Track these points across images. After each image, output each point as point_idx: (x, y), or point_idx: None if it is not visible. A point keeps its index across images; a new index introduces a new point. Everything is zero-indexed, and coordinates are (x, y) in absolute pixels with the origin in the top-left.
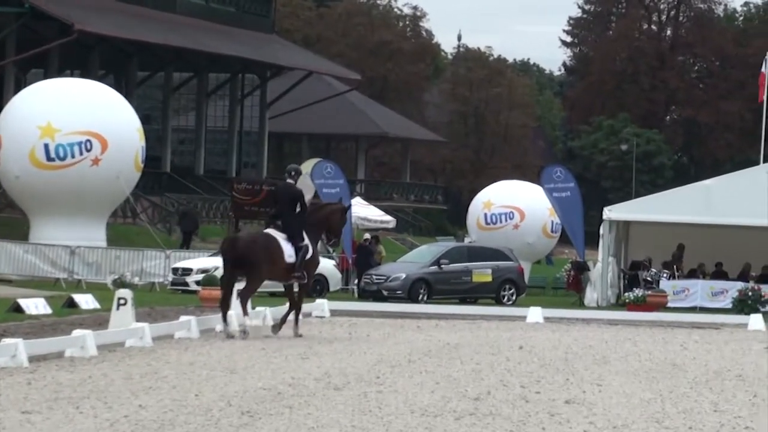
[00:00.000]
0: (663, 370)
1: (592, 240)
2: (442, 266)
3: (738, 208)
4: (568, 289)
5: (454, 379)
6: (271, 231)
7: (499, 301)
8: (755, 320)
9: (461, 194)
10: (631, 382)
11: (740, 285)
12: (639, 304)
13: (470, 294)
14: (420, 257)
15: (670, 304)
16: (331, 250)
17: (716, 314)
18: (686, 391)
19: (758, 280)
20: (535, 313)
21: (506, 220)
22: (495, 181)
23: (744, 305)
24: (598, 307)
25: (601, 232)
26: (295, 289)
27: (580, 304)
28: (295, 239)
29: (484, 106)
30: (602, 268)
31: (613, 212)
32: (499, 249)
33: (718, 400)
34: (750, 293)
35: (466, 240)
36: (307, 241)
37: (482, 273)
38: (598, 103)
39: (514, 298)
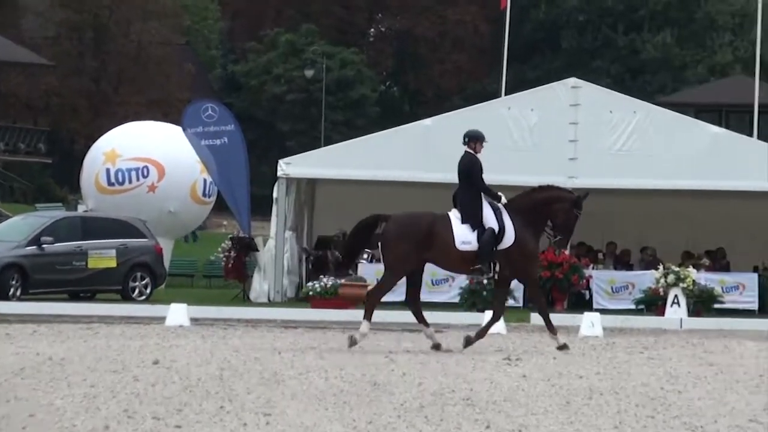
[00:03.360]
0: (360, 393)
1: (262, 207)
2: (44, 246)
3: None
4: (228, 277)
5: (56, 409)
6: (451, 212)
7: (127, 296)
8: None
9: (73, 142)
10: (314, 410)
11: None
12: (328, 298)
13: (85, 286)
14: (11, 234)
15: None
16: None
17: (441, 310)
18: (392, 420)
19: None
20: (178, 313)
21: (139, 179)
22: (123, 123)
23: (476, 298)
24: (270, 303)
25: (275, 195)
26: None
27: (244, 299)
28: (470, 221)
29: (107, 15)
30: (276, 247)
31: (291, 166)
32: (128, 221)
33: None
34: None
35: (80, 208)
36: (493, 223)
37: (102, 256)
38: (271, 11)
39: (148, 291)
